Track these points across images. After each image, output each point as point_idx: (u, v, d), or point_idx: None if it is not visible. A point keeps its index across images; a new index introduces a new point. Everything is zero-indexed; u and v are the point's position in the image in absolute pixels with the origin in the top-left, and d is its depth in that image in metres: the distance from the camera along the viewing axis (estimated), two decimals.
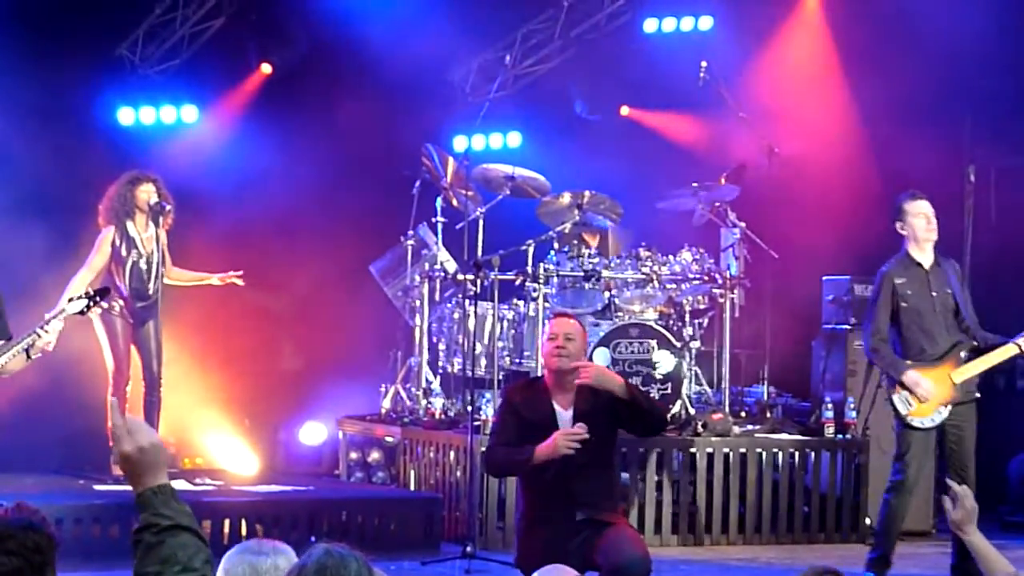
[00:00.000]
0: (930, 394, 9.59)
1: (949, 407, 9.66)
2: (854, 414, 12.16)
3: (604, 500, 7.84)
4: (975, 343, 9.76)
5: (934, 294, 9.75)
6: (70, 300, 8.63)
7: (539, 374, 9.31)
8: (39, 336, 8.17)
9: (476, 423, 11.24)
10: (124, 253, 11.33)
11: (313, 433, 13.72)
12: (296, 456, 13.82)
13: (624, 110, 15.55)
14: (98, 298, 8.69)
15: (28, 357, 8.22)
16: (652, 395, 8.80)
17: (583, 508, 7.71)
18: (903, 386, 9.62)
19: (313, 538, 10.55)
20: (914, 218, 9.77)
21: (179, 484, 6.58)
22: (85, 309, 8.63)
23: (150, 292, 11.39)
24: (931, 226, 9.80)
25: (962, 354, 9.72)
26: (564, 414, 7.78)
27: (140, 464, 3.53)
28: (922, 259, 9.80)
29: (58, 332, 8.26)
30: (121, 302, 11.18)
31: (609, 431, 7.91)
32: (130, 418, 3.58)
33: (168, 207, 11.32)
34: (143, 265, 11.39)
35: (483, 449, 8.68)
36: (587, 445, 7.60)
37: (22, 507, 3.39)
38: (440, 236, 12.95)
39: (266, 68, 14.07)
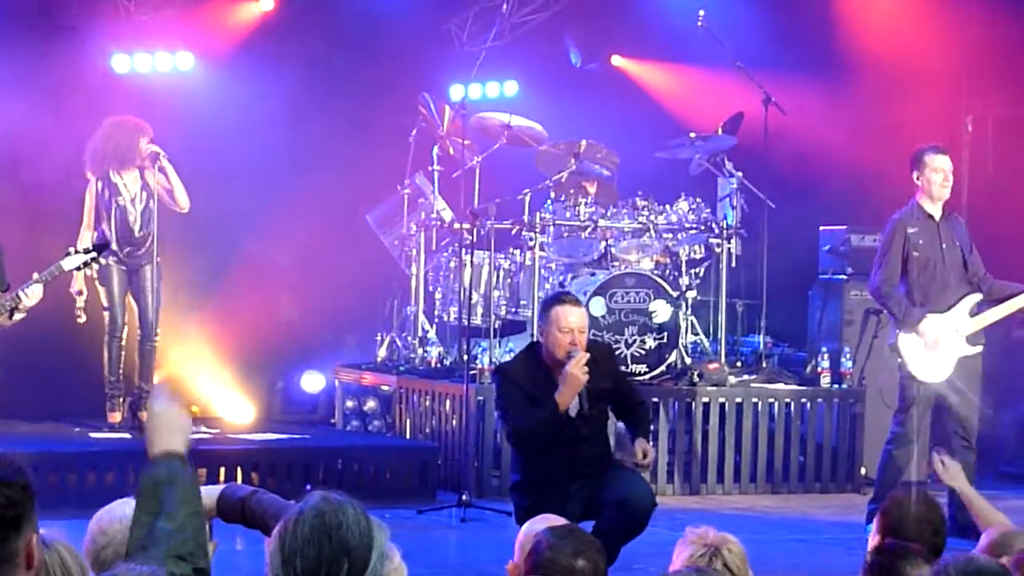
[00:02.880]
0: (940, 345, 9.60)
1: (956, 359, 9.68)
2: (850, 364, 12.17)
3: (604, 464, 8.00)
4: (982, 295, 9.78)
5: (944, 246, 9.77)
6: (67, 255, 8.61)
7: (530, 341, 9.39)
8: (21, 299, 8.14)
9: (472, 372, 11.26)
10: (107, 199, 11.33)
11: (309, 382, 13.70)
12: (292, 405, 13.81)
13: (616, 59, 15.46)
14: (96, 253, 8.67)
15: (11, 317, 8.19)
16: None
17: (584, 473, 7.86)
18: (917, 335, 9.63)
19: (309, 486, 10.57)
20: (932, 172, 9.78)
21: None
22: (83, 265, 8.62)
23: (137, 236, 11.37)
24: (947, 183, 9.83)
25: (970, 306, 9.73)
26: None
27: (162, 423, 3.75)
28: (933, 212, 9.81)
29: (39, 296, 8.25)
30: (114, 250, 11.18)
31: (606, 405, 8.05)
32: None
33: (162, 153, 11.29)
34: (129, 209, 11.37)
35: (508, 433, 8.31)
36: (591, 417, 7.77)
37: None
38: (437, 185, 12.92)
39: (267, 3, 13.88)
